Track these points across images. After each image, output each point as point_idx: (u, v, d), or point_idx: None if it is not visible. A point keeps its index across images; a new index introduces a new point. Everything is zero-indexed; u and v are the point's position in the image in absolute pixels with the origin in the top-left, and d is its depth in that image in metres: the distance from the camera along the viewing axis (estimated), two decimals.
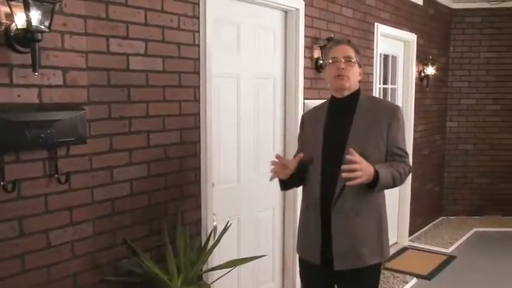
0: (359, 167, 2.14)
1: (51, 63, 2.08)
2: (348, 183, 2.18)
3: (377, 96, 4.65)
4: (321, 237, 2.39)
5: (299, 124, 2.72)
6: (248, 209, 3.42)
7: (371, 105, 2.46)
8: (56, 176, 2.12)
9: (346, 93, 2.45)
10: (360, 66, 2.48)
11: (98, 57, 2.28)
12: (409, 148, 5.50)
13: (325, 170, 2.37)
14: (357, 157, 2.15)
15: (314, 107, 2.66)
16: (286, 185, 2.53)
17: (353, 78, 2.44)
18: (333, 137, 2.42)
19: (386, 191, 2.44)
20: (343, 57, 2.42)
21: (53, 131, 2.02)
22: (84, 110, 2.16)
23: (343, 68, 2.41)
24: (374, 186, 2.23)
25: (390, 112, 2.42)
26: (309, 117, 2.64)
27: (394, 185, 2.34)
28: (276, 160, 2.37)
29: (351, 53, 2.44)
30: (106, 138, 2.35)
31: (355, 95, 2.47)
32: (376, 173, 2.21)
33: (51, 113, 2.03)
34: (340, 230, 2.35)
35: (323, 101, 2.61)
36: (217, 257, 3.00)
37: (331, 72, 2.44)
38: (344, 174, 2.16)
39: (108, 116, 2.36)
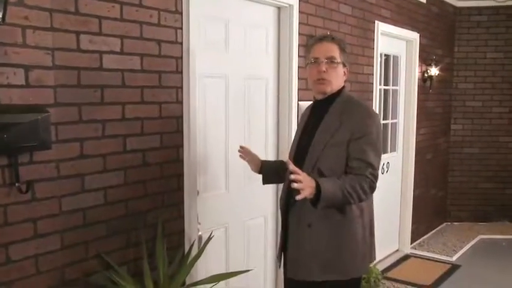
0: (302, 179, 1.94)
1: (10, 60, 1.89)
2: (297, 197, 1.96)
3: (376, 97, 4.45)
4: (283, 244, 2.36)
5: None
6: (237, 218, 3.21)
7: (344, 108, 2.22)
8: (17, 184, 1.93)
9: (327, 94, 2.27)
10: (344, 65, 2.27)
11: (67, 55, 2.09)
12: (411, 152, 5.30)
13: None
14: (298, 170, 1.97)
15: (309, 104, 2.49)
16: (263, 178, 2.59)
17: (335, 81, 2.24)
18: (304, 139, 2.29)
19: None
20: (326, 58, 2.21)
21: (11, 135, 1.84)
22: (47, 112, 1.97)
23: (324, 71, 2.21)
24: (317, 201, 2.00)
25: (356, 122, 2.16)
26: (301, 115, 2.53)
27: (346, 201, 2.08)
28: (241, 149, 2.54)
29: (335, 52, 2.23)
30: (76, 143, 2.16)
31: (334, 96, 2.26)
32: (319, 188, 1.98)
33: (9, 115, 1.84)
34: (293, 239, 2.27)
35: None
36: (204, 270, 2.81)
37: (312, 75, 2.26)
38: (294, 185, 1.94)
39: (79, 119, 2.17)
